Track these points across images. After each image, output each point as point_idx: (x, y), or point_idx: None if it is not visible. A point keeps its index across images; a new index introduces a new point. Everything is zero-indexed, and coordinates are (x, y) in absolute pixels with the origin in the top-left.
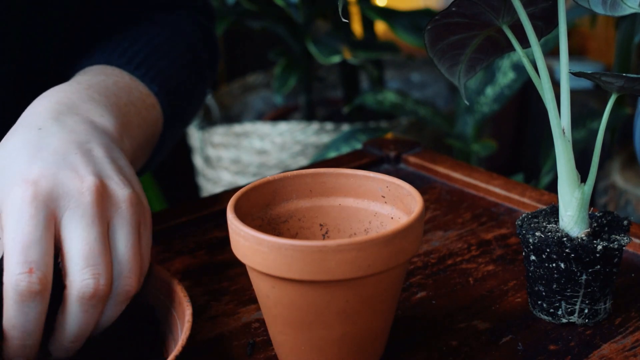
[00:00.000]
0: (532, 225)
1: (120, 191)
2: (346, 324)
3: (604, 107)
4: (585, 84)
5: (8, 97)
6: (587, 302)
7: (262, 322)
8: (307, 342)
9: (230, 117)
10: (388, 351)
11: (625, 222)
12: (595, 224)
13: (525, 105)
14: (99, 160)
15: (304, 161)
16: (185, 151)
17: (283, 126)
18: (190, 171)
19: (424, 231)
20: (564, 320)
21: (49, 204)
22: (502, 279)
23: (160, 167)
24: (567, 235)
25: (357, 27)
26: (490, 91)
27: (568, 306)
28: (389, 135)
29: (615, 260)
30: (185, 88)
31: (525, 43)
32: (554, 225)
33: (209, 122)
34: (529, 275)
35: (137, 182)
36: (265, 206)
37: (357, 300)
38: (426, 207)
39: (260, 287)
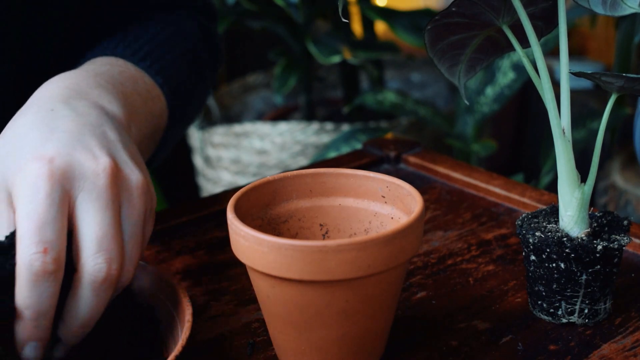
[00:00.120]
0: (532, 225)
1: (134, 176)
2: (346, 324)
3: (604, 107)
4: (585, 84)
5: (8, 97)
6: (587, 302)
7: (262, 322)
8: (307, 342)
9: (230, 117)
10: (388, 351)
11: (625, 222)
12: (595, 224)
13: (525, 105)
14: (113, 144)
15: (304, 161)
16: (185, 151)
17: (283, 126)
18: (190, 171)
19: (424, 231)
20: (564, 320)
21: (64, 184)
22: (502, 279)
23: (160, 167)
24: (567, 235)
25: (357, 27)
26: (490, 91)
27: (568, 306)
28: (389, 135)
29: (615, 260)
30: (185, 88)
31: (525, 43)
32: (554, 225)
33: (209, 122)
34: (529, 275)
35: (146, 169)
36: (265, 206)
37: (357, 300)
38: (426, 207)
39: (260, 287)
